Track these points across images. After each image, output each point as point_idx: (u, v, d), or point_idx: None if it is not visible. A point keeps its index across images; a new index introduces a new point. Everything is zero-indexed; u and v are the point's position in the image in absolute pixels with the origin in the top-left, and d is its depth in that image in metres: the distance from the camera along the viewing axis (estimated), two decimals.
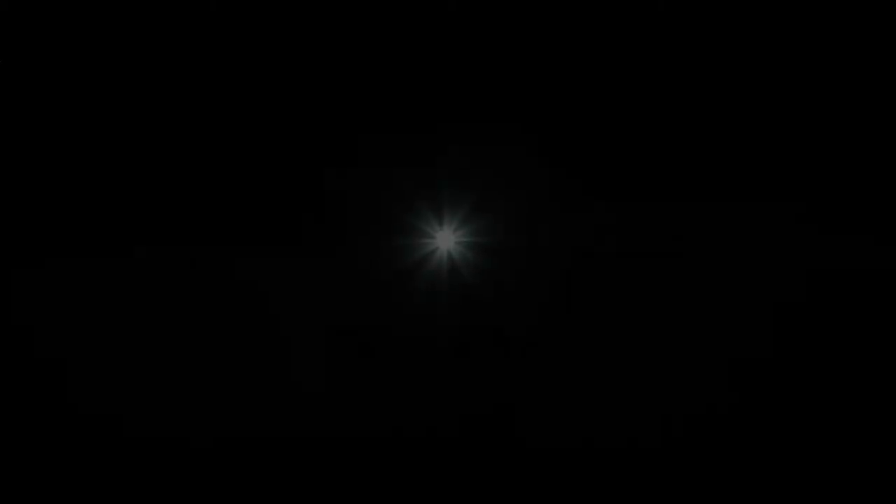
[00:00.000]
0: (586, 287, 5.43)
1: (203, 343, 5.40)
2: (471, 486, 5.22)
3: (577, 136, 5.50)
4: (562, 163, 5.49)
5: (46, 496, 5.20)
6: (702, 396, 5.29)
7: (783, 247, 5.40)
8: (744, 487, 5.17)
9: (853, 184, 5.43)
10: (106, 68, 5.52)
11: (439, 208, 5.40)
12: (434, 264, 5.40)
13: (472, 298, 5.39)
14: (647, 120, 5.49)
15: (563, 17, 5.47)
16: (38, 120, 5.51)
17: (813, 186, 5.44)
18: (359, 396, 5.37)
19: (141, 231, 5.48)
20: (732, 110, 5.50)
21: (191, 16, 5.45)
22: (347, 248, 5.46)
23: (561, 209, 5.46)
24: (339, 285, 5.44)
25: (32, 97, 5.51)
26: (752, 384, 5.30)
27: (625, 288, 5.42)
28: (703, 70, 5.48)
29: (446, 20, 5.46)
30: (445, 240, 5.41)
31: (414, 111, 5.50)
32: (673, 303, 5.39)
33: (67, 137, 5.51)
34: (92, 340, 5.40)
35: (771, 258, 5.38)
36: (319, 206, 5.50)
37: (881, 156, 5.46)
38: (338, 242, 5.47)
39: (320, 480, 5.24)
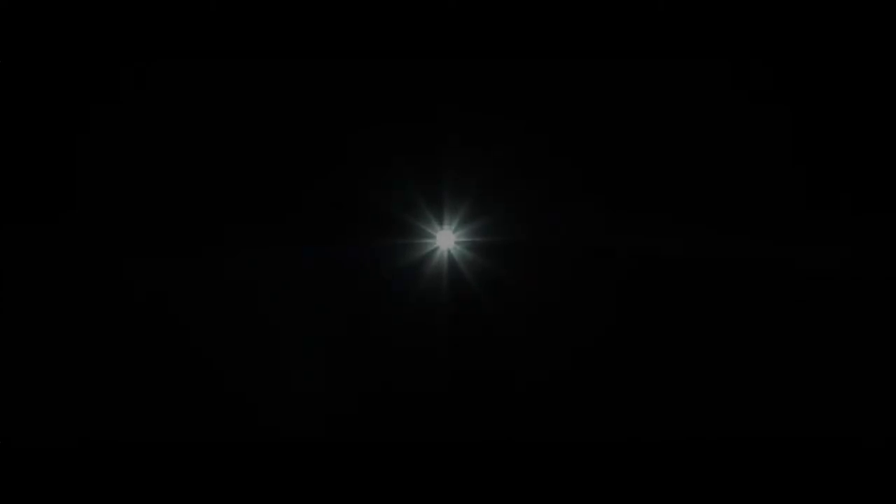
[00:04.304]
0: (594, 288, 5.43)
1: (195, 346, 5.39)
2: (468, 494, 5.22)
3: (585, 133, 5.49)
4: (569, 161, 5.48)
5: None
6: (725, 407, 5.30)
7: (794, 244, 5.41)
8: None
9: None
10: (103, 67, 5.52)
11: (439, 207, 5.40)
12: (434, 265, 5.39)
13: (474, 300, 5.38)
14: (660, 116, 5.48)
15: (569, 11, 5.47)
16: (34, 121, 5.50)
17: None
18: (356, 402, 5.36)
19: (139, 231, 5.48)
20: (746, 109, 5.50)
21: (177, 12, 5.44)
22: (343, 248, 5.45)
23: (569, 208, 5.45)
24: (333, 288, 5.43)
25: (32, 97, 5.50)
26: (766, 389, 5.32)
27: (635, 291, 5.41)
28: (712, 68, 5.48)
29: (447, 15, 5.45)
30: (445, 240, 5.41)
31: (415, 108, 5.49)
32: (688, 306, 5.38)
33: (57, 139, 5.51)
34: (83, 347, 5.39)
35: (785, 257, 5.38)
36: (315, 206, 5.49)
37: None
38: (333, 243, 5.46)
39: (313, 486, 5.23)
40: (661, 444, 5.25)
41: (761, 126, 5.48)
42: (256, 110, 5.52)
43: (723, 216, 5.43)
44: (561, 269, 5.43)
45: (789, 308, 5.36)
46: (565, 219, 5.46)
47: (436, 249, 5.39)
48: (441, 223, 5.39)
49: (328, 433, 5.32)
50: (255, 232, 5.46)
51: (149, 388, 5.34)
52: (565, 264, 5.43)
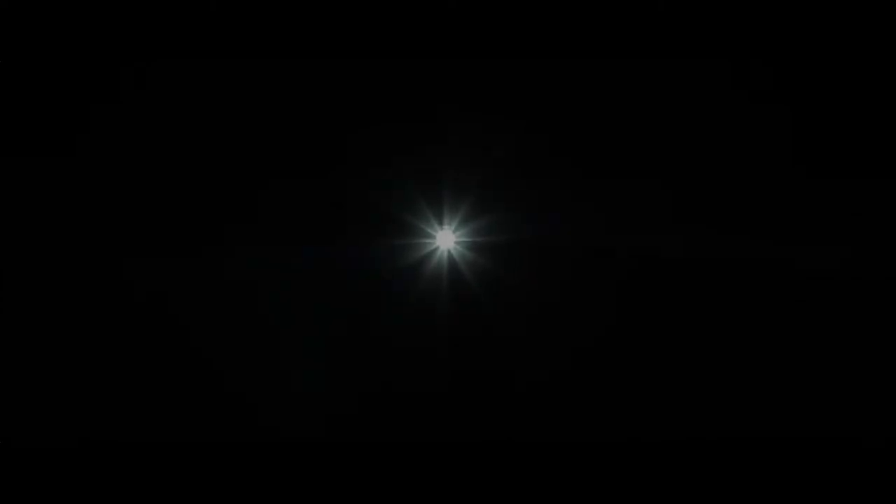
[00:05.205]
0: (594, 288, 5.42)
1: (195, 346, 5.39)
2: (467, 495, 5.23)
3: (585, 133, 5.49)
4: (569, 161, 5.48)
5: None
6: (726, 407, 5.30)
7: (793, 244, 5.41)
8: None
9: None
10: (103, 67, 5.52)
11: (439, 207, 5.40)
12: (434, 265, 5.39)
13: (474, 300, 5.38)
14: (660, 116, 5.48)
15: (569, 11, 5.47)
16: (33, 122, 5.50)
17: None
18: (356, 402, 5.36)
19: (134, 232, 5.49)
20: (746, 109, 5.49)
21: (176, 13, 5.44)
22: (343, 248, 5.45)
23: (569, 208, 5.45)
24: (333, 288, 5.43)
25: (32, 97, 5.50)
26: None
27: (635, 291, 5.41)
28: (712, 68, 5.48)
29: (447, 15, 5.45)
30: (445, 240, 5.41)
31: (415, 108, 5.49)
32: (688, 306, 5.38)
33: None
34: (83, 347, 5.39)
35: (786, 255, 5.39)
36: (315, 206, 5.49)
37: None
38: (333, 243, 5.46)
39: (313, 486, 5.23)
40: (661, 444, 5.25)
41: (761, 126, 5.48)
42: (256, 110, 5.51)
43: (723, 216, 5.43)
44: (561, 269, 5.43)
45: (789, 308, 5.36)
46: (565, 219, 5.46)
47: (436, 249, 5.39)
48: (441, 223, 5.39)
49: (328, 433, 5.32)
50: (255, 232, 5.46)
51: (149, 388, 5.34)
52: (565, 264, 5.43)
